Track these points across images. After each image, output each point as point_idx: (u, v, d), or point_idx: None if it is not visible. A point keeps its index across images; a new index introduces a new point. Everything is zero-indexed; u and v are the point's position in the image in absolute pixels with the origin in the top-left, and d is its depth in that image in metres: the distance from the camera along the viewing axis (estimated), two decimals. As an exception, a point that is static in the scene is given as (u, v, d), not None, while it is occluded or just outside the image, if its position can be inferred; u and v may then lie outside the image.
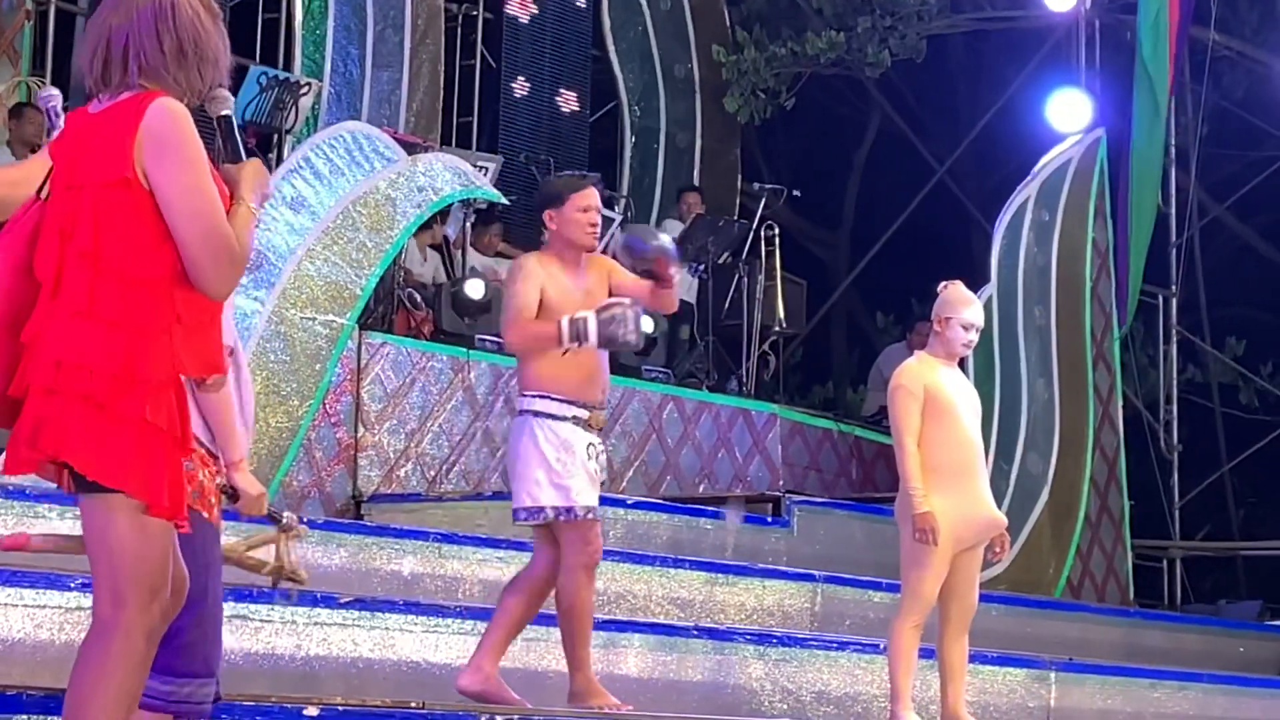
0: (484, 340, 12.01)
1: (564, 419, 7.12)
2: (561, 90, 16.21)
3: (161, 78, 4.18)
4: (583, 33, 16.59)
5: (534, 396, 7.12)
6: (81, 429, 4.02)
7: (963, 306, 8.05)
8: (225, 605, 6.99)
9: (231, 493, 4.85)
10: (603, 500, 10.71)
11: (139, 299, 4.06)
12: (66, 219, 4.13)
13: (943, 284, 8.16)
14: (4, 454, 4.16)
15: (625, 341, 7.05)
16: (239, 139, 4.31)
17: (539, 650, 8.11)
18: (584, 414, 7.17)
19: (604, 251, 11.43)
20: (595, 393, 7.21)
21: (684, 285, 14.68)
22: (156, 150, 4.07)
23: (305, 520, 5.01)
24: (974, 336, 8.13)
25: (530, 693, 7.88)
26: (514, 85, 15.89)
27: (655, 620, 9.17)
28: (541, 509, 7.10)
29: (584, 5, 16.53)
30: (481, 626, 7.95)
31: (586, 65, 16.67)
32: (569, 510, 7.11)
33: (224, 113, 4.32)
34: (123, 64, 4.17)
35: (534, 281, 7.08)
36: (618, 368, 13.05)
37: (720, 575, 9.99)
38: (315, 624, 7.39)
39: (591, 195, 7.29)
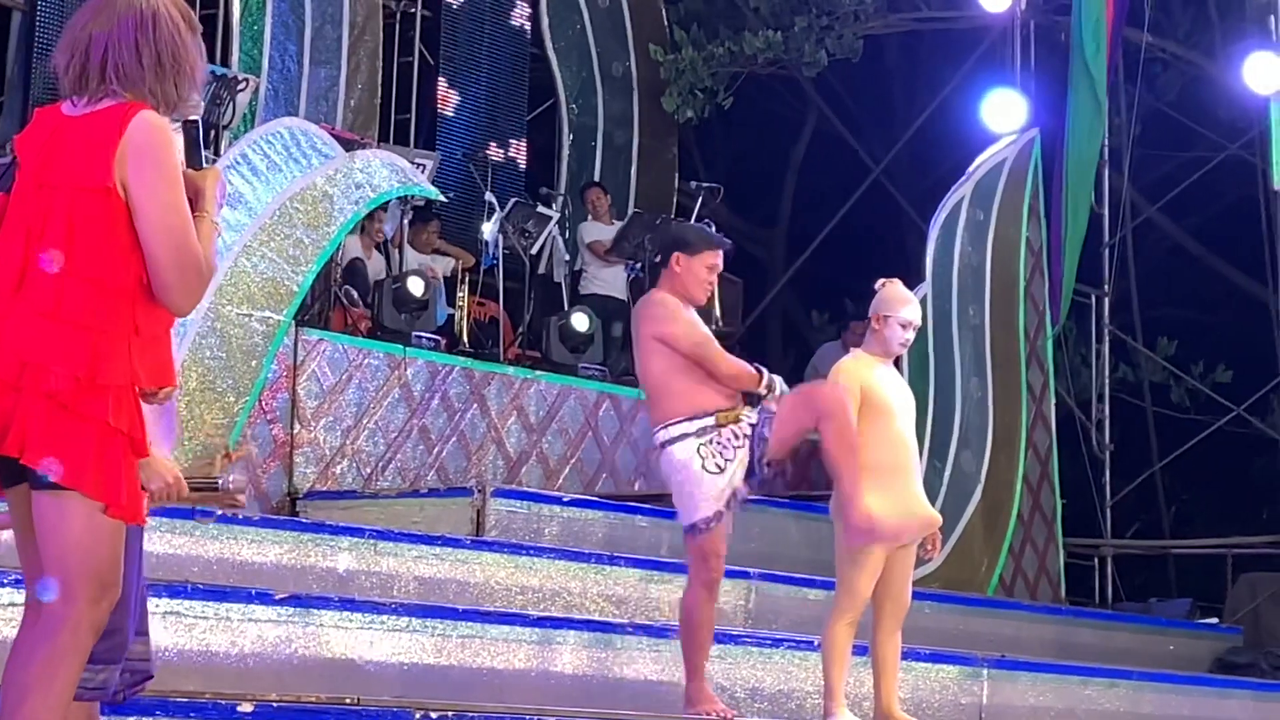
0: (420, 337, 12.02)
1: (690, 436, 7.49)
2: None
3: (139, 88, 4.21)
4: (520, 35, 16.67)
5: (666, 427, 7.50)
6: (44, 428, 4.05)
7: (901, 305, 8.10)
8: (160, 602, 7.02)
9: None
10: (537, 497, 10.83)
11: (105, 306, 4.10)
12: (35, 217, 4.15)
13: (880, 282, 8.20)
14: None
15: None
16: (202, 145, 4.34)
17: (473, 648, 8.13)
18: (709, 423, 7.51)
19: (541, 251, 11.46)
20: (716, 400, 7.53)
21: (619, 282, 14.73)
22: (138, 163, 4.11)
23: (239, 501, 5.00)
24: (911, 335, 8.17)
25: (467, 689, 7.92)
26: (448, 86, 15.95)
27: (591, 618, 9.20)
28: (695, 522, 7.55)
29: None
30: (416, 623, 7.98)
31: (524, 69, 16.71)
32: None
33: (191, 118, 4.35)
34: (100, 72, 4.21)
35: (688, 315, 7.52)
36: (553, 366, 13.10)
37: (656, 572, 10.03)
38: (250, 620, 7.39)
39: (720, 256, 7.66)
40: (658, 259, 7.88)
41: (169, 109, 4.26)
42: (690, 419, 7.52)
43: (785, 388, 7.64)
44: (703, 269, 7.58)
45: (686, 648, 7.67)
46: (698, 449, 7.50)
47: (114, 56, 4.20)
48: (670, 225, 8.05)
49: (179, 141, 4.30)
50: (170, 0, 4.29)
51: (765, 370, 7.61)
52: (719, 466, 7.52)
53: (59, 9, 13.03)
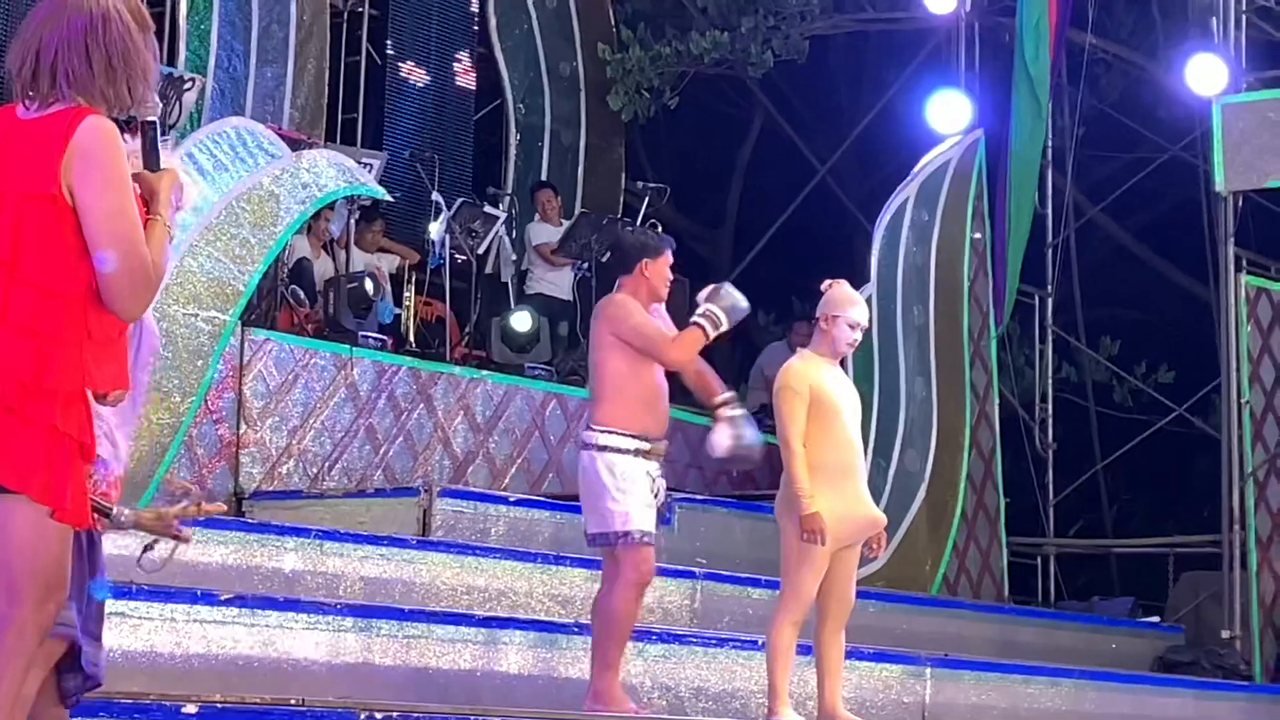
0: (367, 337, 12.03)
1: (626, 452, 7.78)
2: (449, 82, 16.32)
3: (90, 91, 4.21)
4: (468, 35, 16.67)
5: (601, 432, 7.82)
6: None
7: (849, 305, 8.16)
8: (105, 603, 7.00)
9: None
10: (484, 497, 10.84)
11: (53, 311, 4.10)
12: None
13: (827, 283, 8.25)
14: None
15: (744, 310, 8.08)
16: (159, 146, 4.34)
17: (419, 648, 8.15)
18: (645, 446, 7.83)
19: (488, 251, 11.24)
20: (656, 427, 7.91)
21: (566, 283, 14.76)
22: (84, 169, 4.11)
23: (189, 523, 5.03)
24: (859, 335, 8.24)
25: (413, 690, 7.93)
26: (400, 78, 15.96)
27: (536, 617, 9.22)
28: (607, 534, 7.78)
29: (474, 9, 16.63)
30: (362, 623, 7.99)
31: (472, 63, 16.73)
32: (627, 535, 7.75)
33: (149, 118, 4.34)
34: (51, 76, 4.20)
35: (645, 313, 7.95)
36: (498, 366, 13.12)
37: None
38: (195, 621, 7.40)
39: (671, 255, 8.21)
40: (619, 268, 8.22)
41: (122, 111, 4.25)
42: (633, 436, 7.81)
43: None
44: (665, 269, 8.09)
45: (608, 644, 7.84)
46: (646, 471, 7.82)
47: (64, 60, 4.19)
48: (624, 234, 8.48)
49: (136, 143, 4.30)
50: (122, 0, 4.30)
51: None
52: (654, 493, 7.88)
53: (8, 11, 12.97)
